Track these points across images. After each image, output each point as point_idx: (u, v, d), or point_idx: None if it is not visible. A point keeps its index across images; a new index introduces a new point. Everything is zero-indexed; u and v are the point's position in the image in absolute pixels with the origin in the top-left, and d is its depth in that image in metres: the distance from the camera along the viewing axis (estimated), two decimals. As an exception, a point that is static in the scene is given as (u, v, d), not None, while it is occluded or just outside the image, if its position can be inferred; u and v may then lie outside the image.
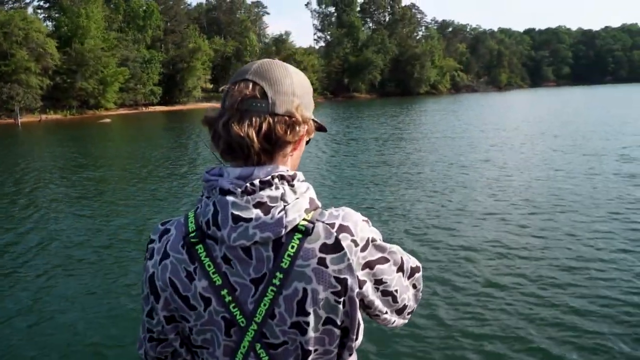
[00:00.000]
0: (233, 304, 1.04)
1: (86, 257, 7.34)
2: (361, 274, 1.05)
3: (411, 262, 1.18)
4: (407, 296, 1.18)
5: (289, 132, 1.04)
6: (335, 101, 67.03)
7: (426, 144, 18.68)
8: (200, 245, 1.05)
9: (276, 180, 1.02)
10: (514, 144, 18.07)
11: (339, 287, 1.02)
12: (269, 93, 1.03)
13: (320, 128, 1.21)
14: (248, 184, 1.01)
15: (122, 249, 7.69)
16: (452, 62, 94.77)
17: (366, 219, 1.10)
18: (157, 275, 1.09)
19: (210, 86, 64.96)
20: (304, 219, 1.02)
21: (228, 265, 1.03)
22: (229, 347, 1.08)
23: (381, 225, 7.88)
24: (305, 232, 1.01)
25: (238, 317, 1.04)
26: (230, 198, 1.01)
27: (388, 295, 1.12)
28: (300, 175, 1.08)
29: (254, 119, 1.02)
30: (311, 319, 1.03)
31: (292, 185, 1.04)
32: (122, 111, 50.63)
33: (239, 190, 1.01)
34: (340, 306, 1.04)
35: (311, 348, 1.06)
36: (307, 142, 1.18)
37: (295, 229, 1.01)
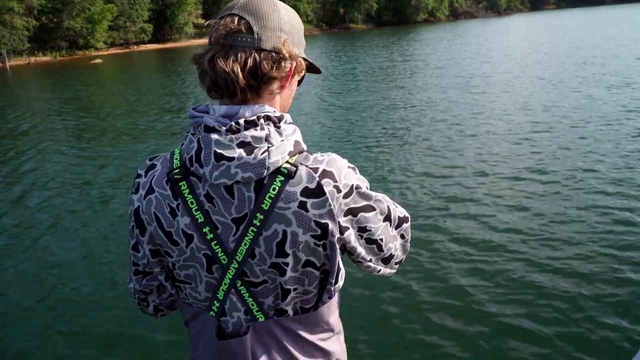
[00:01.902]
0: (215, 242, 1.05)
1: (82, 195, 7.26)
2: (343, 220, 1.05)
3: (398, 211, 1.17)
4: (394, 245, 1.17)
5: (274, 68, 1.02)
6: (330, 33, 65.06)
7: (417, 81, 18.12)
8: (184, 182, 1.05)
9: (262, 120, 1.01)
10: (513, 80, 17.59)
11: (319, 231, 1.03)
12: (254, 28, 1.01)
13: (312, 69, 1.19)
14: (233, 123, 1.00)
15: (112, 186, 7.64)
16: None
17: (353, 166, 1.09)
18: (142, 209, 1.10)
19: (203, 21, 62.78)
20: (287, 162, 1.02)
21: (210, 203, 1.04)
22: (211, 284, 1.10)
23: (369, 172, 7.70)
24: (288, 174, 1.01)
25: (220, 254, 1.05)
26: (214, 136, 1.00)
27: (372, 243, 1.12)
28: (287, 117, 1.06)
29: (239, 54, 1.00)
30: (290, 260, 1.04)
31: (278, 127, 1.03)
32: (113, 51, 49.20)
33: (224, 128, 1.00)
34: (321, 249, 1.05)
35: (290, 287, 1.08)
36: (300, 82, 1.17)
37: (278, 171, 1.01)
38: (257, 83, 1.02)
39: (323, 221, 1.02)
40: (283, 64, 1.03)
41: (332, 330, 1.20)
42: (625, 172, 6.70)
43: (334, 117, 12.04)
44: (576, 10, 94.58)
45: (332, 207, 1.02)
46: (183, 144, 1.07)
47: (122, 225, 6.13)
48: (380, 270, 1.19)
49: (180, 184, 1.05)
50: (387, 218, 1.13)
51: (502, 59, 21.69)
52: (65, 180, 8.28)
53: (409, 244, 1.26)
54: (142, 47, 52.42)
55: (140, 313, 1.37)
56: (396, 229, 1.17)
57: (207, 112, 1.06)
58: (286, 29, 1.04)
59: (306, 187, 1.01)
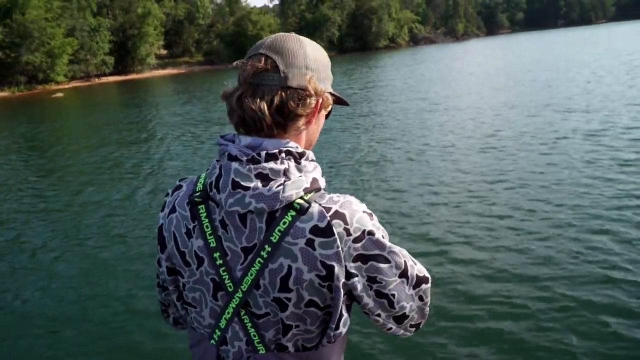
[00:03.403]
0: (223, 268, 1.06)
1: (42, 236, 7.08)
2: (351, 266, 1.03)
3: (417, 269, 1.13)
4: (409, 306, 1.12)
5: (300, 105, 1.04)
6: (294, 61, 65.70)
7: (378, 106, 18.53)
8: (202, 206, 1.07)
9: (283, 154, 1.03)
10: (470, 101, 18.14)
11: (324, 272, 1.01)
12: (280, 66, 1.03)
13: (339, 101, 1.20)
14: (255, 154, 1.02)
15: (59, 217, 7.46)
16: (409, 14, 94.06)
17: (370, 212, 1.07)
18: (165, 227, 1.14)
19: (165, 52, 62.72)
20: (301, 198, 1.02)
21: (224, 229, 1.05)
22: (215, 310, 1.10)
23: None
24: (300, 210, 1.01)
25: (226, 281, 1.06)
26: (234, 164, 1.03)
27: (382, 297, 1.08)
28: (310, 154, 1.08)
29: (266, 93, 1.02)
30: (293, 296, 1.03)
31: (298, 163, 1.05)
32: (74, 84, 48.40)
33: (245, 158, 1.02)
34: (326, 290, 1.03)
35: (291, 323, 1.06)
36: (327, 116, 1.18)
37: (291, 205, 1.01)
38: (284, 120, 1.04)
39: (329, 262, 1.01)
40: (309, 100, 1.05)
41: None
42: (585, 197, 6.91)
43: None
44: (529, 33, 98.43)
45: (340, 249, 1.01)
46: (208, 168, 1.10)
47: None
48: (391, 328, 1.15)
49: (199, 207, 1.08)
50: (403, 274, 1.09)
51: (461, 83, 22.34)
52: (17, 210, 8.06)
53: (428, 308, 1.19)
54: (104, 80, 51.78)
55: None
56: (414, 288, 1.12)
57: (233, 141, 1.08)
58: (312, 65, 1.06)
59: (316, 226, 1.01)
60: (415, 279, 1.11)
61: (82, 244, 6.73)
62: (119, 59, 54.32)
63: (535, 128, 11.30)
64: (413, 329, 1.19)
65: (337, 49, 76.34)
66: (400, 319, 1.13)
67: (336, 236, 1.01)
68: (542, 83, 19.14)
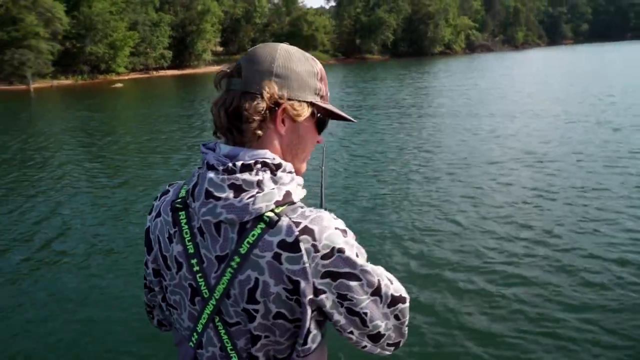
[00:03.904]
0: (200, 274, 1.07)
1: (102, 220, 7.34)
2: (319, 282, 1.01)
3: (393, 288, 1.11)
4: (384, 325, 1.11)
5: (250, 108, 1.04)
6: (346, 62, 65.89)
7: (429, 115, 18.24)
8: (183, 212, 1.09)
9: (259, 165, 1.03)
10: (532, 113, 17.58)
11: (291, 287, 1.01)
12: (243, 71, 1.06)
13: (334, 116, 1.18)
14: (230, 164, 1.03)
15: (129, 211, 7.70)
16: (467, 20, 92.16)
17: (344, 229, 1.05)
18: (151, 230, 1.17)
19: (221, 49, 64.09)
20: (272, 210, 1.01)
21: (202, 237, 1.06)
22: (193, 314, 1.12)
23: (394, 211, 7.70)
24: (269, 223, 1.00)
25: (202, 287, 1.07)
26: (210, 174, 1.04)
27: (354, 315, 1.06)
28: (288, 166, 1.07)
29: (228, 97, 1.06)
30: (261, 308, 1.03)
31: (274, 174, 1.04)
32: (133, 75, 50.22)
33: (221, 167, 1.03)
34: (294, 303, 1.03)
35: (260, 334, 1.06)
36: (321, 130, 1.17)
37: (261, 218, 1.01)
38: (240, 123, 1.05)
39: (295, 278, 1.00)
40: (258, 103, 1.04)
41: None
42: None
43: (349, 150, 12.14)
44: (594, 45, 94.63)
45: (307, 265, 1.00)
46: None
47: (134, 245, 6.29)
48: (366, 346, 1.13)
49: (180, 213, 1.10)
50: (376, 293, 1.07)
51: (517, 94, 21.73)
52: (78, 194, 8.41)
53: (406, 328, 1.18)
54: (162, 73, 53.49)
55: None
56: (388, 307, 1.10)
57: (213, 150, 1.10)
58: (280, 72, 1.06)
59: (283, 240, 1.00)
60: (390, 298, 1.10)
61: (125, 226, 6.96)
62: (176, 54, 55.92)
63: (591, 145, 10.86)
64: (391, 348, 1.17)
65: (390, 52, 75.92)
66: (375, 337, 1.12)
67: (303, 252, 0.99)
68: (604, 98, 18.36)
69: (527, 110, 16.24)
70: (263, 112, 1.05)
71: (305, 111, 1.10)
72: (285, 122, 1.09)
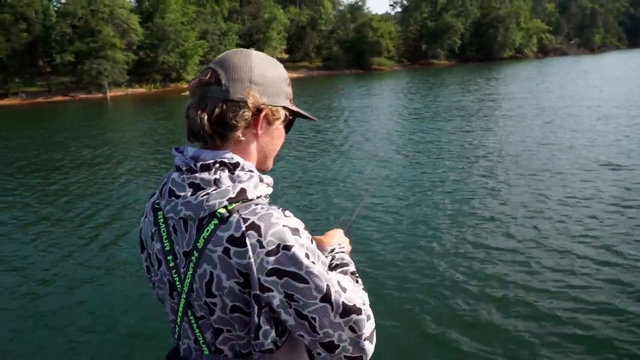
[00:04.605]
0: (174, 270, 1.13)
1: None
2: (265, 280, 1.03)
3: (345, 298, 1.08)
4: (337, 335, 1.08)
5: (236, 117, 1.09)
6: (412, 68, 65.00)
7: (490, 125, 17.49)
8: (160, 212, 1.16)
9: (217, 165, 1.09)
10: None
11: (242, 280, 1.04)
12: (223, 80, 1.10)
13: (303, 116, 1.26)
14: (192, 164, 1.10)
15: None
16: (540, 23, 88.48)
17: (296, 227, 1.06)
18: (142, 230, 1.25)
19: (286, 56, 65.02)
20: (224, 207, 1.06)
21: (175, 234, 1.13)
22: (173, 308, 1.18)
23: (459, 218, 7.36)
24: (221, 219, 1.05)
25: (177, 283, 1.13)
26: (174, 174, 1.12)
27: (303, 318, 1.06)
28: (246, 164, 1.12)
29: (209, 105, 1.09)
30: (218, 301, 1.07)
31: (232, 172, 1.09)
32: (201, 83, 51.84)
33: (185, 168, 1.10)
34: (248, 297, 1.05)
35: (222, 327, 1.10)
36: (288, 129, 1.24)
37: (214, 214, 1.06)
38: (224, 131, 1.10)
39: (244, 271, 1.03)
40: (243, 112, 1.10)
41: None
42: None
43: (401, 153, 11.83)
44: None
45: (252, 261, 1.02)
46: None
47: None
48: (322, 354, 1.11)
49: (158, 212, 1.17)
50: (326, 299, 1.05)
51: (588, 102, 20.49)
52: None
53: (366, 343, 1.11)
54: (229, 81, 54.84)
55: None
56: (341, 317, 1.07)
57: (182, 152, 1.16)
58: (257, 80, 1.12)
59: (232, 235, 1.04)
60: (342, 307, 1.07)
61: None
62: (243, 62, 57.16)
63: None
64: None
65: (457, 57, 74.14)
66: (328, 346, 1.09)
67: (249, 247, 1.02)
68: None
69: (602, 118, 15.21)
70: (249, 119, 1.11)
71: (282, 115, 1.19)
72: (262, 126, 1.15)
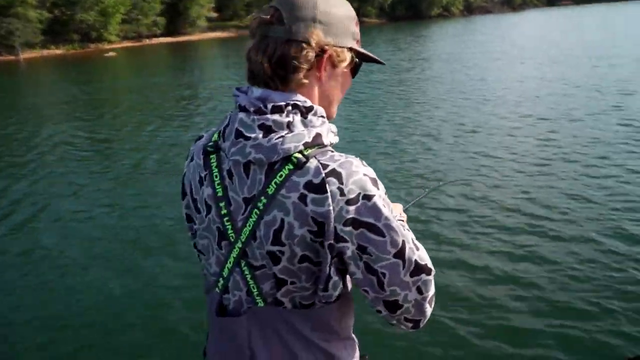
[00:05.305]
0: (227, 218, 1.07)
1: (99, 195, 7.01)
2: (342, 229, 0.99)
3: (417, 255, 1.05)
4: (404, 295, 1.05)
5: (299, 58, 1.02)
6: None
7: (422, 80, 17.71)
8: (214, 155, 1.09)
9: (290, 107, 1.02)
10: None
11: (316, 228, 0.99)
12: (285, 19, 1.03)
13: (370, 59, 1.18)
14: (261, 105, 1.03)
15: (125, 173, 7.36)
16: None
17: (374, 177, 1.02)
18: (186, 175, 1.18)
19: (215, 15, 62.54)
20: (300, 152, 1.00)
21: (230, 179, 1.06)
22: (219, 259, 1.12)
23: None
24: (297, 164, 0.99)
25: (229, 231, 1.07)
26: (241, 114, 1.04)
27: (372, 273, 1.02)
28: (319, 109, 1.06)
29: (270, 45, 1.02)
30: (286, 250, 1.02)
31: (305, 117, 1.03)
32: (125, 44, 49.02)
33: (252, 109, 1.03)
34: (319, 246, 1.01)
35: (286, 278, 1.05)
36: (354, 73, 1.16)
37: (289, 159, 1.00)
38: (285, 72, 1.02)
39: (320, 220, 0.98)
40: (307, 52, 1.01)
41: (336, 334, 1.13)
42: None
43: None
44: (596, 5, 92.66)
45: (331, 209, 0.97)
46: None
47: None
48: (381, 312, 1.08)
49: (211, 156, 1.09)
50: (399, 255, 1.01)
51: (513, 57, 21.16)
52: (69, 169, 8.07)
53: (429, 306, 1.09)
54: (155, 41, 52.14)
55: None
56: (411, 276, 1.04)
57: (245, 93, 1.08)
58: (322, 18, 1.03)
59: (310, 181, 0.98)
60: (414, 265, 1.03)
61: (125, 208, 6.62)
62: (170, 21, 54.50)
63: (591, 112, 10.45)
64: (410, 325, 1.11)
65: (388, 16, 74.37)
66: (392, 306, 1.06)
67: (328, 194, 0.97)
68: (604, 61, 17.83)
69: (519, 70, 15.79)
70: (312, 60, 1.03)
71: (347, 57, 1.09)
72: (326, 69, 1.07)
